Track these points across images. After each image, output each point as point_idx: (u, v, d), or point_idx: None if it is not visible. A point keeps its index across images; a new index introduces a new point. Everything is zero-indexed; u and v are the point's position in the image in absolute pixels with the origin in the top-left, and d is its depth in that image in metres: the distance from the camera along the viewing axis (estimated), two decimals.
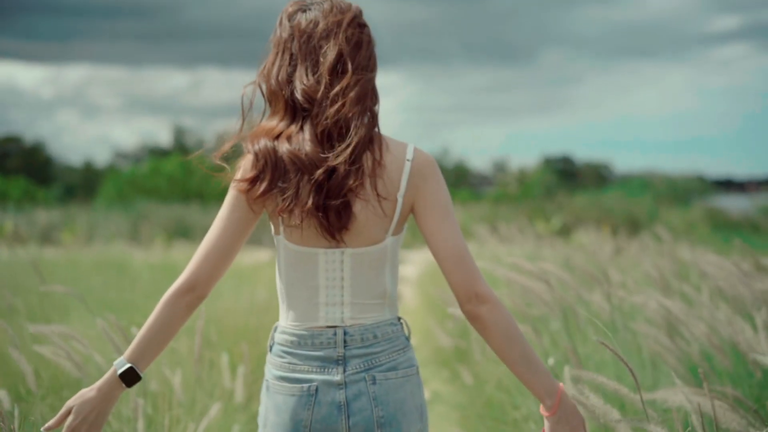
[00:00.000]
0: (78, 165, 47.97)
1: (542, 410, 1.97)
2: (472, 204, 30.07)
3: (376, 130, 1.99)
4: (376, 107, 1.99)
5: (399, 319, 2.05)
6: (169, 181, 34.24)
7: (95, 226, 21.41)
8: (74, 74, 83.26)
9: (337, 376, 1.95)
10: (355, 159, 1.91)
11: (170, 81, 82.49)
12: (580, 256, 7.54)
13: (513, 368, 1.96)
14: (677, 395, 2.51)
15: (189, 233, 21.57)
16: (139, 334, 1.98)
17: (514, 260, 3.86)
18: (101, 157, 63.80)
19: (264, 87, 2.03)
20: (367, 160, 1.94)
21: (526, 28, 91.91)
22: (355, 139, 1.91)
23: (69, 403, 1.95)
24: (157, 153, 48.49)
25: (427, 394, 4.45)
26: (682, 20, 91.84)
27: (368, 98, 1.97)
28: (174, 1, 77.79)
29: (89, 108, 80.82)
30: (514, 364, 1.94)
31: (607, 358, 4.01)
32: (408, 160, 1.97)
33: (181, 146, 49.73)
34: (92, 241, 17.53)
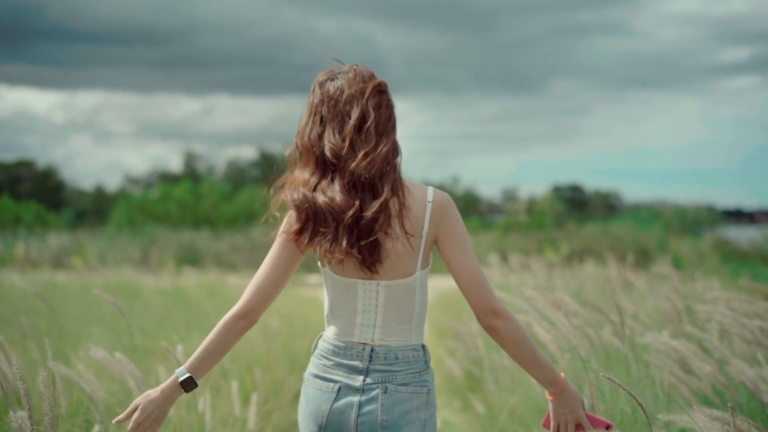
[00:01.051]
0: (89, 190, 48.17)
1: (547, 395, 2.39)
2: (481, 232, 30.08)
3: (399, 177, 2.32)
4: (398, 159, 2.33)
5: (423, 346, 2.38)
6: (180, 207, 34.35)
7: (106, 251, 21.46)
8: (87, 100, 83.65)
9: (357, 383, 2.30)
10: (382, 207, 2.26)
11: (182, 107, 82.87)
12: (590, 287, 7.54)
13: (523, 366, 2.38)
14: (699, 418, 2.52)
15: (198, 260, 21.60)
16: (199, 348, 2.33)
17: (529, 293, 3.88)
18: (113, 183, 64.18)
19: (298, 143, 2.36)
20: (394, 205, 2.28)
21: (536, 58, 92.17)
22: (385, 195, 2.26)
23: (136, 401, 2.28)
24: (167, 179, 48.67)
25: (438, 423, 4.43)
26: (692, 51, 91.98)
27: (391, 155, 2.30)
28: (186, 29, 78.29)
29: (101, 133, 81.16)
30: (524, 363, 2.36)
31: (622, 390, 4.01)
32: (429, 201, 2.31)
33: (191, 172, 49.94)
34: (103, 266, 17.55)
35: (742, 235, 25.10)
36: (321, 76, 2.39)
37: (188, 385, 2.31)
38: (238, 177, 50.06)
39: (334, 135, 2.30)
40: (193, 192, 35.26)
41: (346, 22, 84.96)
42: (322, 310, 9.92)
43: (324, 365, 2.36)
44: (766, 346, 3.74)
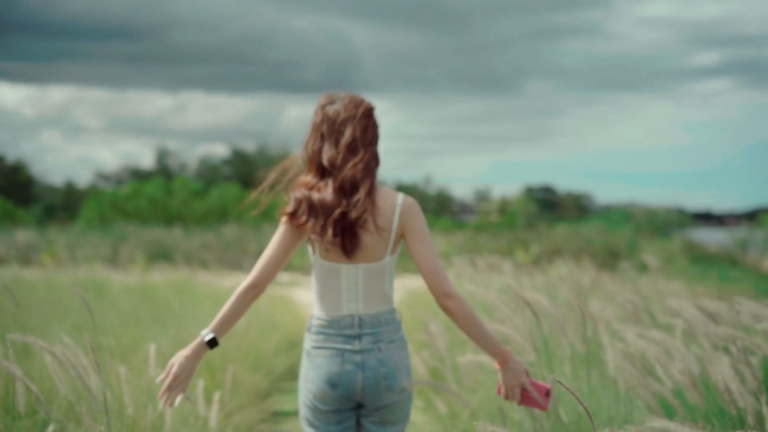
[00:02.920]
0: (59, 186, 47.78)
1: (496, 365, 2.95)
2: (453, 232, 30.13)
3: (375, 182, 2.94)
4: (377, 169, 2.96)
5: (395, 309, 3.01)
6: (151, 204, 34.15)
7: (75, 247, 21.29)
8: (58, 95, 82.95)
9: (355, 347, 2.90)
10: (361, 207, 2.87)
11: (154, 103, 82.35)
12: (558, 287, 7.57)
13: (473, 339, 2.93)
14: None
15: (169, 257, 21.48)
16: (219, 314, 2.87)
17: (494, 295, 3.91)
18: (83, 179, 63.58)
19: (304, 155, 2.98)
20: (370, 206, 2.90)
21: (511, 59, 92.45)
22: (363, 194, 2.88)
23: (172, 360, 2.82)
24: (138, 175, 48.37)
25: None
26: (665, 55, 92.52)
27: (372, 165, 2.94)
28: (160, 25, 77.69)
29: (72, 129, 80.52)
30: (473, 337, 2.91)
31: (584, 389, 4.03)
32: (399, 204, 2.93)
33: (164, 168, 49.68)
34: (72, 262, 17.41)
35: (711, 237, 25.34)
36: (323, 100, 2.99)
37: (212, 343, 2.85)
38: (210, 174, 49.86)
39: (330, 148, 2.92)
40: (165, 189, 35.08)
41: (322, 20, 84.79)
42: (291, 309, 9.90)
43: (323, 338, 2.92)
44: (732, 347, 3.77)
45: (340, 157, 2.90)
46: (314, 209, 2.88)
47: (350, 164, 2.89)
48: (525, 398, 2.95)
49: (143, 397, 4.18)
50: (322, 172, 2.93)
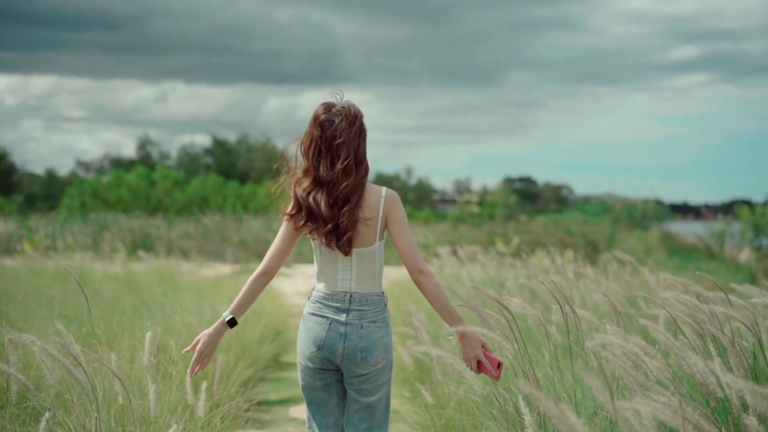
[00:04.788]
0: (41, 174, 47.47)
1: (459, 338, 3.42)
2: (434, 223, 30.18)
3: (363, 188, 3.37)
4: (366, 177, 3.39)
5: (383, 293, 3.46)
6: (132, 193, 34.01)
7: (56, 236, 21.17)
8: (40, 84, 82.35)
9: (342, 318, 3.35)
10: (351, 217, 3.31)
11: (136, 93, 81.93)
12: (540, 278, 7.63)
13: (439, 313, 3.39)
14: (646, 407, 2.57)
15: (150, 246, 21.41)
16: (236, 298, 3.41)
17: (475, 287, 3.96)
18: (65, 168, 63.15)
19: (303, 159, 3.40)
20: (358, 207, 3.34)
21: (491, 51, 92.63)
22: (353, 204, 3.32)
23: (198, 337, 3.38)
24: (119, 164, 48.13)
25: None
26: (644, 48, 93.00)
27: (362, 180, 3.37)
28: (141, 15, 77.12)
29: (54, 118, 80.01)
30: (439, 310, 3.38)
31: (569, 377, 4.08)
32: (383, 196, 3.40)
33: (145, 158, 49.43)
34: (53, 251, 17.33)
35: (688, 229, 25.51)
36: (320, 113, 3.37)
37: (232, 323, 3.39)
38: (191, 164, 49.67)
39: (326, 167, 3.32)
40: (147, 178, 34.93)
41: (303, 10, 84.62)
42: (276, 299, 9.96)
43: (318, 307, 3.39)
44: (715, 338, 3.82)
45: (335, 177, 3.31)
46: (312, 217, 3.34)
47: (344, 185, 3.31)
48: (480, 368, 3.41)
49: (132, 386, 4.20)
50: (319, 182, 3.35)
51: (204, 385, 4.20)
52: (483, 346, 3.40)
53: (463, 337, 3.39)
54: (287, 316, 10.41)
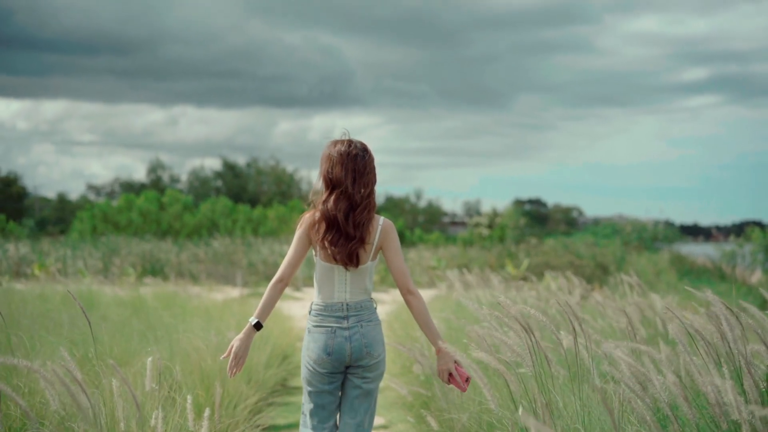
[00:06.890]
0: (52, 198, 47.60)
1: (435, 352, 3.87)
2: (444, 246, 30.08)
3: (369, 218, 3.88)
4: (374, 210, 3.89)
5: (372, 299, 3.95)
6: (143, 216, 34.07)
7: (67, 260, 21.18)
8: (51, 108, 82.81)
9: (345, 325, 3.82)
10: (358, 244, 3.82)
11: (146, 117, 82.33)
12: (550, 301, 7.57)
13: (421, 328, 3.90)
14: None
15: (160, 270, 21.39)
16: (260, 304, 3.81)
17: (489, 312, 3.98)
18: (75, 192, 63.37)
19: (325, 185, 3.86)
20: (364, 237, 3.85)
21: (500, 74, 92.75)
22: (360, 234, 3.82)
23: (232, 342, 3.77)
24: (130, 188, 48.27)
25: None
26: (653, 70, 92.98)
27: (370, 213, 3.86)
28: (152, 39, 77.60)
29: (65, 142, 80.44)
30: (422, 326, 3.88)
31: (577, 404, 4.03)
32: (380, 225, 3.89)
33: (155, 182, 49.58)
34: (63, 275, 17.33)
35: (698, 251, 25.39)
36: (346, 147, 3.85)
37: (258, 326, 3.80)
38: (201, 187, 49.78)
39: (358, 193, 3.81)
40: (157, 202, 35.00)
41: (313, 34, 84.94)
42: (285, 322, 9.96)
43: (320, 319, 3.85)
44: (727, 357, 3.78)
45: (362, 203, 3.82)
46: (332, 230, 3.81)
47: (352, 224, 3.80)
48: (451, 380, 3.85)
49: (133, 411, 4.16)
50: (349, 205, 3.81)
51: (207, 413, 4.16)
52: (455, 362, 3.84)
53: (439, 351, 3.85)
54: (295, 340, 10.32)
